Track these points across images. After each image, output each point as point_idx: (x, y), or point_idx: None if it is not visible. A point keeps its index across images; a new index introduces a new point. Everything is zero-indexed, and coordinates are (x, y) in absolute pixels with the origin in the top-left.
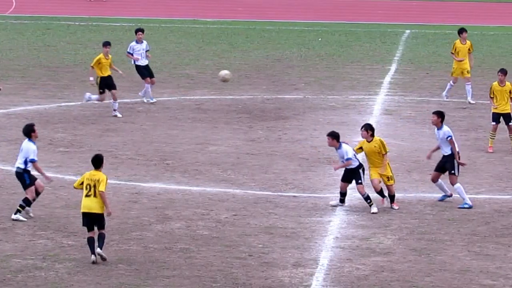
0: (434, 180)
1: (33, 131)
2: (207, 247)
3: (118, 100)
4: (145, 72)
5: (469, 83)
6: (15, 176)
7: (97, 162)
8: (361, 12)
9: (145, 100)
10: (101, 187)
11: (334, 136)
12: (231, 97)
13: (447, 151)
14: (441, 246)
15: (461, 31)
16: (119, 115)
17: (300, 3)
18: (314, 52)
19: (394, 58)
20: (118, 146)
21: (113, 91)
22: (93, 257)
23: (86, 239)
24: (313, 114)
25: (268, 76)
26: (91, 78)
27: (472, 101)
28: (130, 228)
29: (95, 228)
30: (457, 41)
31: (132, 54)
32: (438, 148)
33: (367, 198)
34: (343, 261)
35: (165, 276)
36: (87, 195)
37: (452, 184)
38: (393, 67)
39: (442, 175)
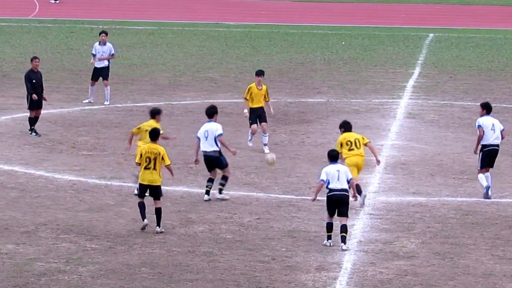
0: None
1: (216, 112)
2: (230, 251)
3: (142, 104)
4: (97, 75)
5: None
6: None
7: (155, 134)
8: (384, 15)
9: (86, 101)
10: (167, 161)
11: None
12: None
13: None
14: (465, 250)
15: None
16: (266, 151)
17: (323, 6)
18: (337, 56)
19: (417, 62)
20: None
21: (263, 124)
22: (146, 221)
23: (137, 204)
24: (336, 118)
25: (291, 80)
26: (245, 111)
27: None
28: (153, 232)
29: (153, 200)
30: None
31: (94, 56)
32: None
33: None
34: (366, 265)
35: (188, 280)
36: (146, 167)
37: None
38: (417, 71)
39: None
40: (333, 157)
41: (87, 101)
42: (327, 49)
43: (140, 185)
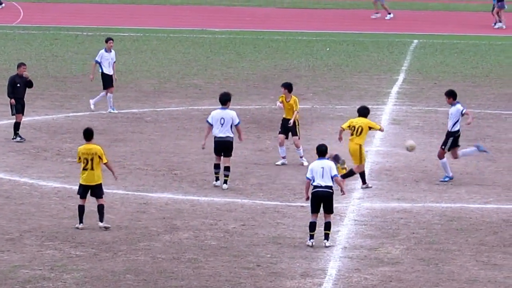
0: (441, 157)
1: (230, 99)
2: (215, 257)
3: (127, 111)
4: (110, 82)
5: None
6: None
7: (89, 134)
8: (368, 22)
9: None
10: (104, 159)
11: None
12: (239, 107)
13: (449, 127)
14: (449, 256)
15: None
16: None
17: (308, 13)
18: (322, 62)
19: (402, 68)
20: (126, 156)
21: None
22: (81, 225)
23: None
24: (321, 124)
25: (276, 86)
26: (290, 121)
27: None
28: (138, 238)
29: (93, 198)
30: None
31: (100, 63)
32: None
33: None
34: (351, 271)
35: (173, 287)
36: (84, 169)
37: (439, 157)
38: (401, 77)
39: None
40: (321, 152)
41: (110, 110)
42: (311, 55)
43: (80, 185)
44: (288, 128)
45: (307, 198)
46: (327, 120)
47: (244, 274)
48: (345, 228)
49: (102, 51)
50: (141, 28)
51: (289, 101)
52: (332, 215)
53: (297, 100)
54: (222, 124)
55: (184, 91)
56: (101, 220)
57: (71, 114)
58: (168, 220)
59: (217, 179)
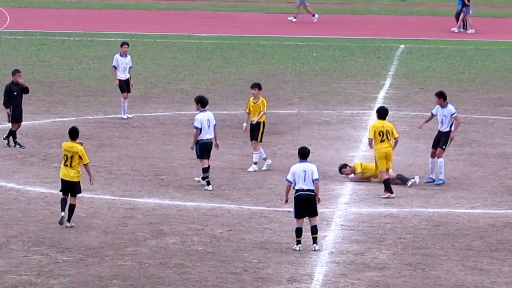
0: (433, 156)
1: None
2: (201, 263)
3: (113, 116)
4: (124, 87)
5: None
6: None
7: (74, 133)
8: (355, 27)
9: (124, 116)
10: (84, 160)
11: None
12: (225, 112)
13: (445, 128)
14: (436, 261)
15: None
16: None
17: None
18: (308, 67)
19: (388, 73)
20: (113, 162)
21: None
22: (62, 213)
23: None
24: (307, 129)
25: (262, 91)
26: (245, 125)
27: None
28: (125, 244)
29: (69, 195)
30: None
31: (116, 68)
32: (428, 120)
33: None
34: (338, 276)
35: None
36: (65, 164)
37: (438, 157)
38: (388, 82)
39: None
40: (304, 154)
41: (125, 116)
42: (298, 60)
43: (61, 180)
44: (252, 132)
45: (287, 201)
46: (314, 125)
47: (231, 279)
48: (332, 233)
49: (117, 55)
50: (128, 34)
51: (257, 102)
52: (317, 219)
53: (265, 102)
54: (209, 126)
55: (171, 96)
56: (68, 220)
57: (57, 119)
58: (154, 225)
59: (208, 183)
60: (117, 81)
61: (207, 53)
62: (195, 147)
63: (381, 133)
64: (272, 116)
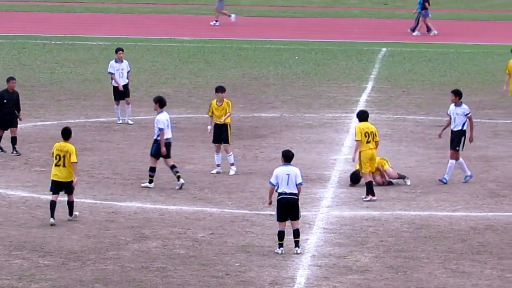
0: (452, 157)
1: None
2: (183, 266)
3: (95, 120)
4: (120, 94)
5: None
6: None
7: (66, 133)
8: (337, 30)
9: (126, 121)
10: (73, 158)
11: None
12: (207, 115)
13: (457, 127)
14: (418, 264)
15: None
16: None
17: (276, 21)
18: (290, 71)
19: (370, 76)
20: (95, 165)
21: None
22: (51, 220)
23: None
24: (290, 133)
25: (244, 95)
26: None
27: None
28: (107, 248)
29: (65, 194)
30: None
31: (113, 74)
32: (448, 125)
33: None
34: (320, 279)
35: None
36: (56, 165)
37: (451, 158)
38: (370, 85)
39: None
40: (287, 158)
41: (120, 122)
42: (280, 64)
43: (52, 181)
44: (220, 135)
45: (270, 204)
46: (296, 129)
47: (213, 282)
48: (314, 236)
49: (112, 62)
50: (109, 37)
51: (221, 105)
52: (299, 222)
53: (230, 103)
54: (168, 126)
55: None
56: (70, 214)
57: (39, 123)
58: (136, 229)
59: (179, 178)
60: (120, 86)
61: (189, 56)
62: (152, 146)
63: (366, 135)
64: (254, 119)
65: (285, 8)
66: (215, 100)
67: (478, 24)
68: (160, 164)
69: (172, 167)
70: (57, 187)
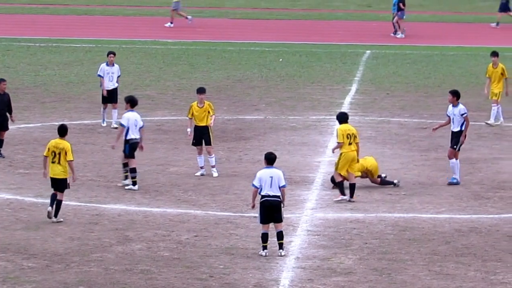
0: (451, 156)
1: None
2: (168, 269)
3: (79, 122)
4: (108, 98)
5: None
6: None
7: (63, 130)
8: (321, 32)
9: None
10: (69, 156)
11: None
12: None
13: (456, 128)
14: (402, 266)
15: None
16: (215, 174)
17: (260, 24)
18: (275, 73)
19: (354, 79)
20: (79, 168)
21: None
22: (49, 208)
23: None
24: (274, 135)
25: (229, 97)
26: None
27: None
28: (91, 250)
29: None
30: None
31: (102, 77)
32: (446, 124)
33: None
34: (304, 281)
35: None
36: (52, 162)
37: (450, 157)
38: (354, 88)
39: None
40: (270, 160)
41: (104, 124)
42: (264, 66)
43: (50, 178)
44: (201, 137)
45: (253, 206)
46: (280, 131)
47: (197, 285)
48: (298, 238)
49: (103, 65)
50: (94, 39)
51: (202, 107)
52: (283, 224)
53: (212, 105)
54: (136, 126)
55: None
56: (56, 215)
57: (23, 126)
58: (120, 231)
59: (126, 177)
60: (105, 92)
61: (173, 58)
62: (124, 147)
63: (348, 136)
64: (239, 121)
65: (270, 10)
66: (195, 102)
67: (463, 26)
68: (146, 166)
69: (125, 165)
70: (52, 183)
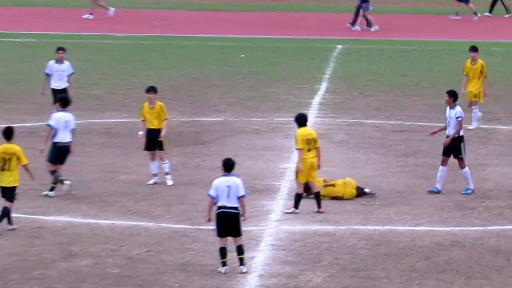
0: (443, 163)
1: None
2: (117, 287)
3: (20, 125)
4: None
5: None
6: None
7: (9, 133)
8: (288, 26)
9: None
10: (24, 160)
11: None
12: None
13: (452, 132)
14: (377, 284)
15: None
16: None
17: (220, 16)
18: (236, 70)
19: (324, 76)
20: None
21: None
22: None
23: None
24: (235, 139)
25: (185, 97)
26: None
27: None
28: (31, 267)
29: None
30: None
31: (49, 76)
32: (444, 128)
33: None
34: None
35: None
36: (2, 169)
37: (461, 168)
38: (323, 86)
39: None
40: (228, 167)
41: None
42: (224, 62)
43: (1, 187)
44: (154, 141)
45: (209, 219)
46: (242, 134)
47: None
48: (261, 253)
49: (51, 62)
50: (36, 33)
51: (153, 108)
52: (243, 238)
53: (164, 107)
54: (65, 128)
55: (84, 103)
56: (10, 222)
57: None
58: (64, 246)
59: (62, 181)
60: (45, 91)
61: (124, 54)
62: (50, 150)
63: (308, 142)
64: (196, 124)
65: (231, 2)
66: (147, 103)
67: (443, 18)
68: (93, 173)
69: (54, 172)
70: (3, 193)
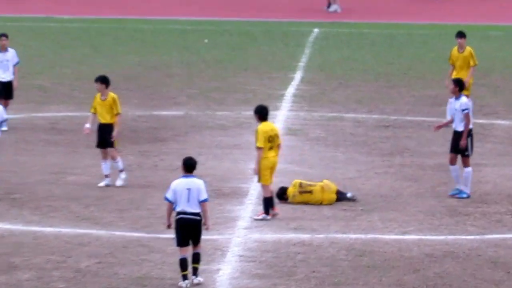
0: (452, 162)
1: None
2: None
3: None
4: (3, 90)
5: None
6: None
7: None
8: (258, 7)
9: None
10: None
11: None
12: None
13: (458, 126)
14: None
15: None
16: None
17: None
18: (198, 57)
19: (299, 64)
20: None
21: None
22: None
23: None
24: (197, 135)
25: (141, 88)
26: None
27: None
28: None
29: None
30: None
31: None
32: (450, 122)
33: None
34: None
35: None
36: None
37: (465, 166)
38: (298, 76)
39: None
40: (188, 167)
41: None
42: (186, 49)
43: None
44: (106, 137)
45: (169, 226)
46: (205, 130)
47: None
48: (228, 265)
49: None
50: None
51: (105, 99)
52: (202, 245)
53: (117, 98)
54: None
55: (25, 94)
56: None
57: None
58: (4, 257)
59: None
60: None
61: (71, 40)
62: None
63: (270, 139)
64: (153, 118)
65: None
66: (99, 94)
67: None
68: (36, 175)
69: None
70: None
